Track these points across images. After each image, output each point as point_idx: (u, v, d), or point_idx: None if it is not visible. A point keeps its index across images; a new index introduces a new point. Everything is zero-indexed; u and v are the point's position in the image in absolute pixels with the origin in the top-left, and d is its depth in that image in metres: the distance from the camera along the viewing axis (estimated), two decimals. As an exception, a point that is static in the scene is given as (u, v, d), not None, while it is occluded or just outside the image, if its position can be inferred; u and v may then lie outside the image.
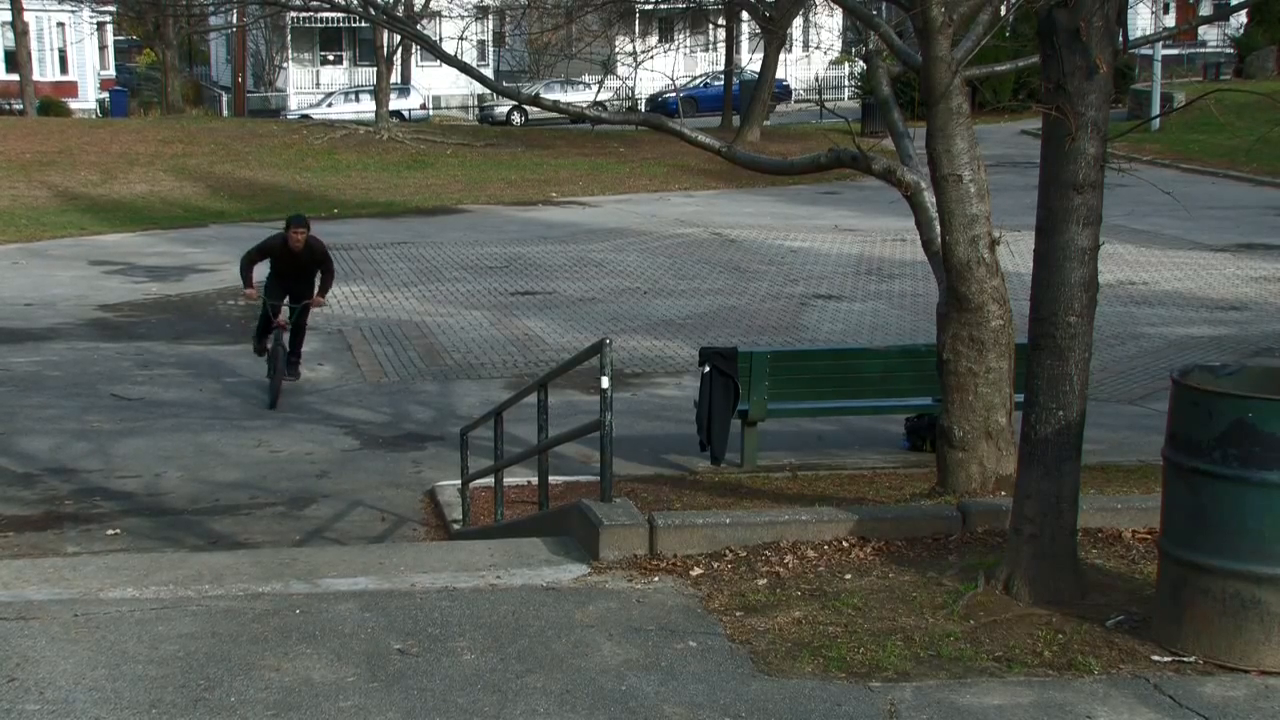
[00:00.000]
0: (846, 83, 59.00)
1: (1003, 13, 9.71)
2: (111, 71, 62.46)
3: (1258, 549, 6.02)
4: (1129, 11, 7.52)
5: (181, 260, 25.06)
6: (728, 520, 7.90)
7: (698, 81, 55.39)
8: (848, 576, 7.24)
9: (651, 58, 44.27)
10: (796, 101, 57.26)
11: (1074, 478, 6.93)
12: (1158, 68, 41.69)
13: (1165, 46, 47.06)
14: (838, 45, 58.81)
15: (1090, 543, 7.61)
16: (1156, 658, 6.18)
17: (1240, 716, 5.68)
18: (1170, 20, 58.36)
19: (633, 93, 46.08)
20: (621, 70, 45.49)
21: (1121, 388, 15.10)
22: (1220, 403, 6.11)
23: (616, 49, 45.83)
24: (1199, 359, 15.20)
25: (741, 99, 44.49)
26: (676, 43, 53.83)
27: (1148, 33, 36.25)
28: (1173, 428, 6.33)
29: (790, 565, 7.42)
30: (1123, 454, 11.25)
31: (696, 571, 7.36)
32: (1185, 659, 6.15)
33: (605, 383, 7.81)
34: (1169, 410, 6.39)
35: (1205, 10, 56.68)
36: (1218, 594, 6.11)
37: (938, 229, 8.93)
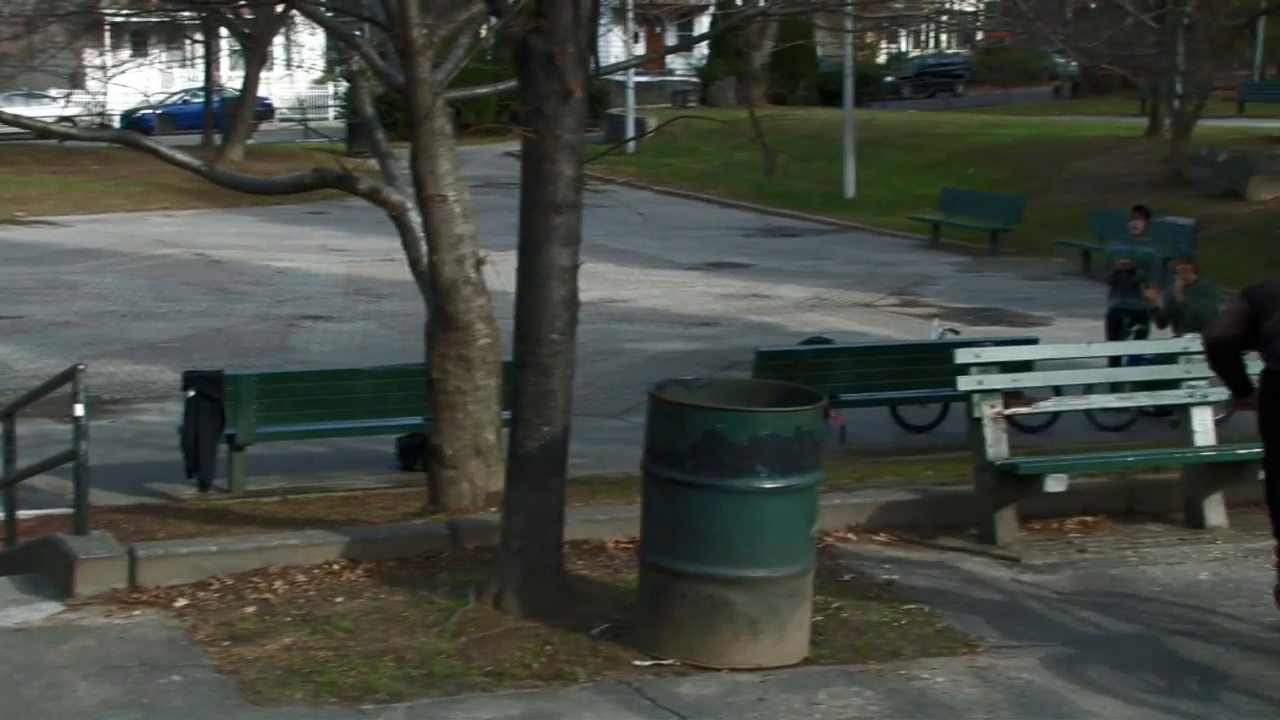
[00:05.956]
0: (331, 102, 58.51)
1: (483, 34, 9.87)
2: None
3: (727, 553, 6.35)
4: (602, 39, 7.83)
5: None
6: (214, 548, 7.69)
7: (176, 98, 53.62)
8: (339, 599, 7.17)
9: (124, 72, 42.39)
10: (280, 120, 56.22)
11: (560, 491, 7.11)
12: (630, 94, 43.48)
13: (637, 74, 49.08)
14: (321, 64, 58.26)
15: (577, 554, 7.83)
16: (638, 662, 6.42)
17: (713, 713, 5.98)
18: (641, 49, 60.98)
19: (104, 108, 44.15)
20: (92, 85, 43.48)
21: (605, 403, 15.60)
22: (692, 415, 6.42)
23: (85, 62, 43.81)
24: (674, 373, 15.91)
25: (223, 117, 43.39)
26: (151, 57, 51.96)
27: (620, 60, 37.74)
28: (650, 440, 6.60)
29: (280, 591, 7.28)
30: (607, 467, 11.60)
31: (181, 602, 7.11)
32: (664, 662, 6.41)
33: (79, 410, 7.50)
34: (647, 423, 6.65)
35: (671, 41, 59.61)
36: (692, 598, 6.41)
37: (424, 249, 8.98)
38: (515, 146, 8.25)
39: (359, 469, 12.72)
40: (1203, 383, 8.90)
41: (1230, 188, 27.71)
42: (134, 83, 44.86)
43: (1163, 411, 12.33)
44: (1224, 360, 7.08)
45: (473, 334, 8.91)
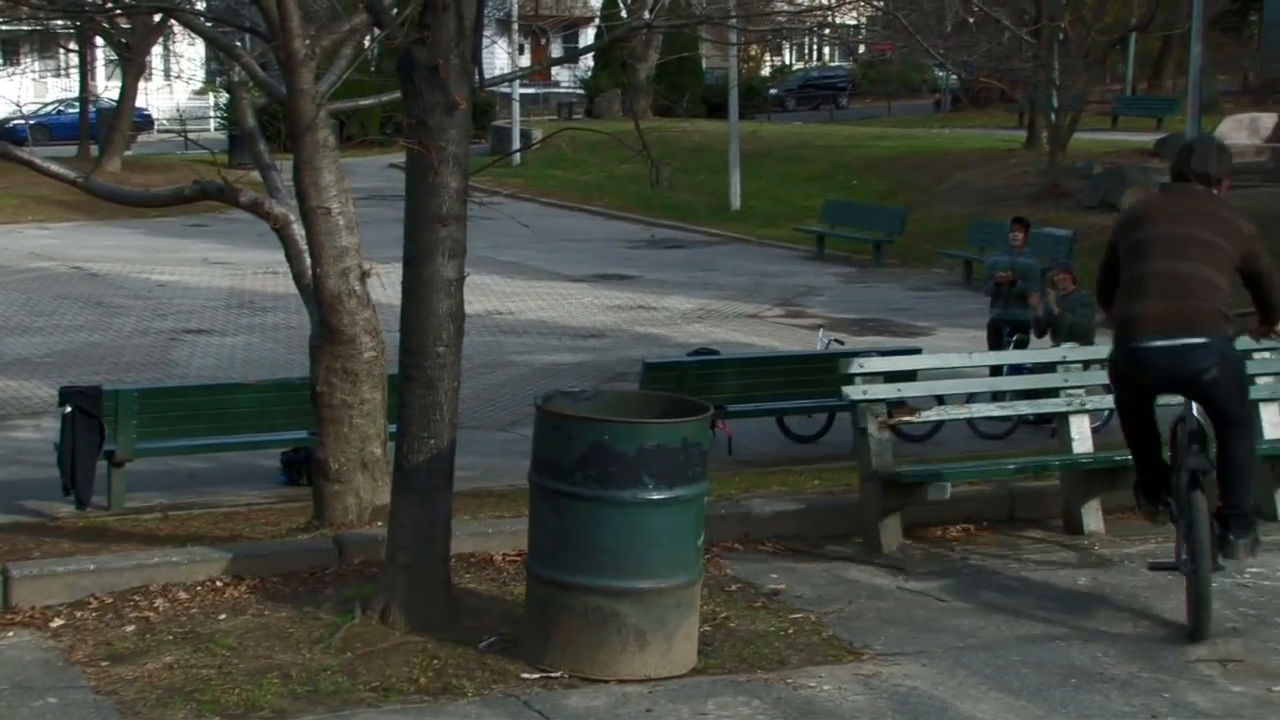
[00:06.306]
0: (212, 113, 57.79)
1: (366, 46, 9.82)
2: None
3: (615, 564, 6.36)
4: (487, 51, 7.83)
5: None
6: (92, 566, 7.55)
7: (50, 108, 52.68)
8: (222, 616, 7.08)
9: (-7, 81, 41.33)
10: (160, 132, 55.46)
11: (446, 504, 7.08)
12: (516, 106, 43.46)
13: (523, 86, 49.11)
14: (201, 74, 57.53)
15: (464, 567, 7.80)
16: (526, 675, 6.41)
17: (603, 724, 5.98)
18: (526, 61, 60.98)
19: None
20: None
21: (492, 415, 15.55)
22: (579, 426, 6.42)
23: (-48, 71, 42.89)
24: (561, 385, 15.89)
25: (99, 128, 42.66)
26: (24, 66, 50.96)
27: (505, 71, 37.72)
28: (538, 452, 6.59)
29: (161, 609, 7.17)
30: (494, 479, 11.58)
31: (57, 623, 6.98)
32: (552, 674, 6.41)
33: (-49, 428, 7.32)
34: (534, 435, 6.64)
35: (556, 53, 59.66)
36: (580, 609, 6.41)
37: (308, 261, 8.90)
38: (400, 158, 8.22)
39: (242, 484, 12.57)
40: (1080, 391, 9.07)
41: (1105, 199, 28.23)
42: (5, 92, 43.96)
43: (1042, 420, 12.54)
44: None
45: (358, 347, 8.84)
